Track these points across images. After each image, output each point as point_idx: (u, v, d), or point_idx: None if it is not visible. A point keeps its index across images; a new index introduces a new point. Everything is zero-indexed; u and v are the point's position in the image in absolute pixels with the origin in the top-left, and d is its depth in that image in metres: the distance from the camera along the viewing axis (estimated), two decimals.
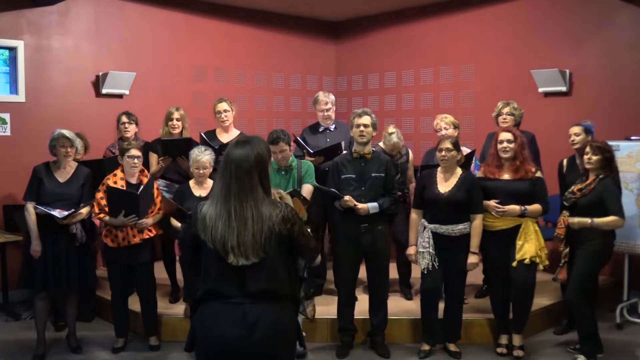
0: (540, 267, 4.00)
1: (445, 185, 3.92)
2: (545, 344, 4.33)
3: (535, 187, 3.93)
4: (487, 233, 3.97)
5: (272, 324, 2.10)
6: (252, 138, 2.26)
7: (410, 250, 4.03)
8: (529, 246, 3.89)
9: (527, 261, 3.89)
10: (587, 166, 3.92)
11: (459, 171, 3.97)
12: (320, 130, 4.94)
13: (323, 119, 4.90)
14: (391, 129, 4.66)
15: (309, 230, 2.35)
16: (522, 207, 3.87)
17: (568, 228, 3.96)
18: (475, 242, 3.92)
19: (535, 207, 3.91)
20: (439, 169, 3.99)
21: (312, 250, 2.26)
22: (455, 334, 4.11)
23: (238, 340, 2.07)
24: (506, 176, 3.97)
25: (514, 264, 3.91)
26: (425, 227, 3.93)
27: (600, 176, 3.89)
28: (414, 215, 4.05)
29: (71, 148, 4.00)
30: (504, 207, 3.87)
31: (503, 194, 3.91)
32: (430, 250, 3.89)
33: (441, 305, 4.12)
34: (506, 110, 4.64)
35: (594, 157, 3.87)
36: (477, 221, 3.91)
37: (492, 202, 3.91)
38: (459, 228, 3.88)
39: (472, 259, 3.94)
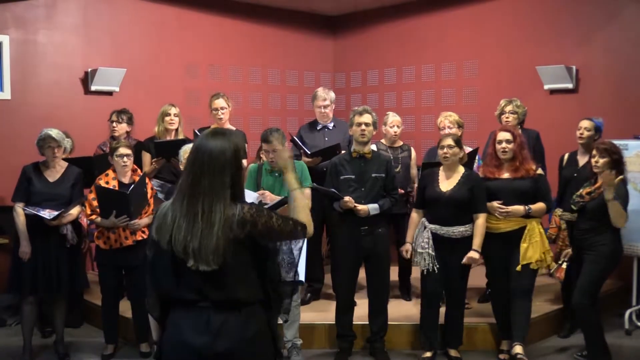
0: (543, 270, 3.91)
1: (447, 183, 3.84)
2: (551, 350, 4.26)
3: (538, 184, 3.84)
4: (489, 235, 3.87)
5: (237, 332, 1.96)
6: (229, 130, 2.09)
7: (405, 247, 3.96)
8: (534, 250, 3.79)
9: (532, 265, 3.81)
10: (595, 170, 3.82)
11: (461, 169, 3.89)
12: (318, 128, 4.86)
13: (321, 117, 4.81)
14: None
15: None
16: (527, 207, 3.77)
17: (572, 231, 3.93)
18: (477, 241, 3.81)
19: (540, 205, 3.81)
20: (441, 167, 3.92)
21: (290, 234, 2.06)
22: (456, 339, 4.01)
23: (202, 348, 1.95)
24: (506, 175, 3.87)
25: (518, 268, 3.81)
26: (425, 227, 3.85)
27: None
28: (414, 214, 3.99)
29: (58, 148, 3.96)
30: (508, 207, 3.76)
31: (505, 194, 3.81)
32: (430, 251, 3.79)
33: (442, 310, 4.03)
34: (509, 108, 4.55)
35: (601, 160, 3.77)
36: (481, 220, 3.81)
37: (494, 203, 3.81)
38: (459, 230, 3.79)
39: (473, 254, 3.80)
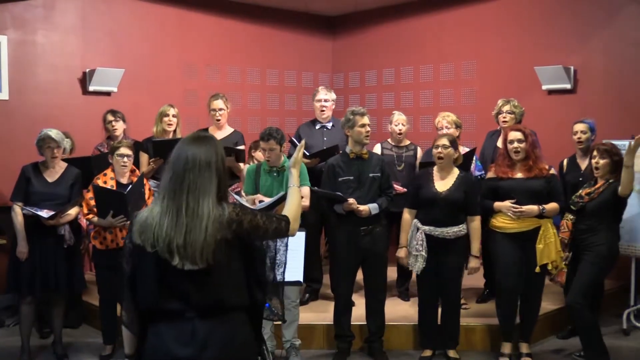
0: (554, 271, 3.89)
1: (442, 184, 3.83)
2: (550, 350, 4.25)
3: (551, 184, 3.81)
4: (499, 235, 3.85)
5: (224, 342, 1.90)
6: (211, 137, 2.03)
7: (401, 253, 3.90)
8: (550, 251, 3.76)
9: (549, 266, 3.79)
10: (595, 172, 3.82)
11: (456, 171, 3.88)
12: (317, 127, 4.86)
13: (319, 113, 4.81)
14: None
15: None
16: (541, 207, 3.74)
17: (572, 232, 3.90)
18: (476, 246, 3.84)
19: (553, 206, 3.78)
20: (435, 167, 3.91)
21: (275, 231, 2.01)
22: (454, 339, 4.00)
23: (187, 359, 1.88)
24: (519, 175, 3.84)
25: (537, 269, 3.78)
26: (418, 229, 3.82)
27: (610, 181, 3.80)
28: (406, 215, 3.93)
29: (57, 149, 3.96)
30: (522, 207, 3.73)
31: (519, 194, 3.77)
32: (424, 253, 3.77)
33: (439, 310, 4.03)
34: (506, 108, 4.54)
35: (602, 161, 3.78)
36: (476, 223, 3.84)
37: (507, 203, 3.78)
38: (453, 230, 3.79)
39: (474, 263, 3.88)
